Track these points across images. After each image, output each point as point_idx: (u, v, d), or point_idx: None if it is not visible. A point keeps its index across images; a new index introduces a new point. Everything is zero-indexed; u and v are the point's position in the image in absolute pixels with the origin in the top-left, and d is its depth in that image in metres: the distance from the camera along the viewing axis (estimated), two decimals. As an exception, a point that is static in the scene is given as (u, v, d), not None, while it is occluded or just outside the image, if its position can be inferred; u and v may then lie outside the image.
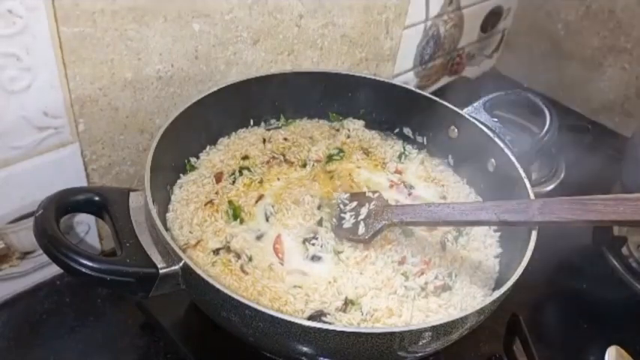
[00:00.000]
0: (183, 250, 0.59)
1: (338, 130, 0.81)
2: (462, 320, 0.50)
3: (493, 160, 0.71)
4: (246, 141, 0.76)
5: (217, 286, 0.48)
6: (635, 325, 0.77)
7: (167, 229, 0.62)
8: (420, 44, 1.05)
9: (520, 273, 0.54)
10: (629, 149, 0.82)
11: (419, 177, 0.76)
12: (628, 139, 0.84)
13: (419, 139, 0.80)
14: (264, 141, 0.77)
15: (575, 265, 0.85)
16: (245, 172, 0.71)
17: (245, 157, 0.73)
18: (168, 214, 0.64)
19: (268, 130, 0.79)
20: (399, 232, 0.66)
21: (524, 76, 1.27)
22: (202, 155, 0.73)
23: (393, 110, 0.80)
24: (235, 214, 0.65)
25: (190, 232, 0.63)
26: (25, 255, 0.67)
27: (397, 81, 1.03)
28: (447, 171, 0.78)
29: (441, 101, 0.76)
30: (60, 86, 0.59)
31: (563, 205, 0.55)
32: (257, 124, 0.79)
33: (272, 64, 0.81)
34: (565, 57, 1.19)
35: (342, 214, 0.66)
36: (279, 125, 0.80)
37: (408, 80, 1.09)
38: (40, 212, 0.51)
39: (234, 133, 0.77)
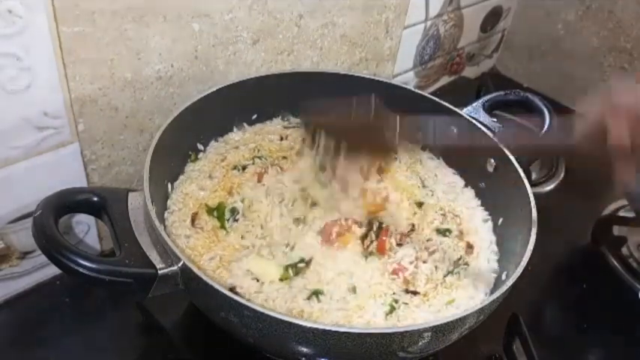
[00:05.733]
0: (182, 251, 0.59)
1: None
2: (462, 320, 0.50)
3: (492, 160, 0.71)
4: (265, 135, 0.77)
5: (216, 286, 0.48)
6: (635, 325, 0.76)
7: (166, 229, 0.62)
8: (419, 44, 1.05)
9: (520, 273, 0.54)
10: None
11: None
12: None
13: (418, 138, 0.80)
14: (281, 138, 0.77)
15: (575, 265, 0.85)
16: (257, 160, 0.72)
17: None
18: (166, 214, 0.64)
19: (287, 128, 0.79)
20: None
21: (524, 76, 1.27)
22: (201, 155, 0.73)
23: (393, 110, 0.80)
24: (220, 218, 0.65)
25: (189, 233, 0.63)
26: (24, 255, 0.67)
27: (397, 81, 1.04)
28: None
29: (439, 101, 0.76)
30: (60, 86, 0.59)
31: None
32: (257, 123, 0.79)
33: (272, 64, 0.81)
34: (565, 57, 1.19)
35: None
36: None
37: (407, 80, 1.09)
38: (38, 213, 0.51)
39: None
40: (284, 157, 0.74)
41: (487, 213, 0.72)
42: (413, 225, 0.68)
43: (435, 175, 0.76)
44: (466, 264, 0.65)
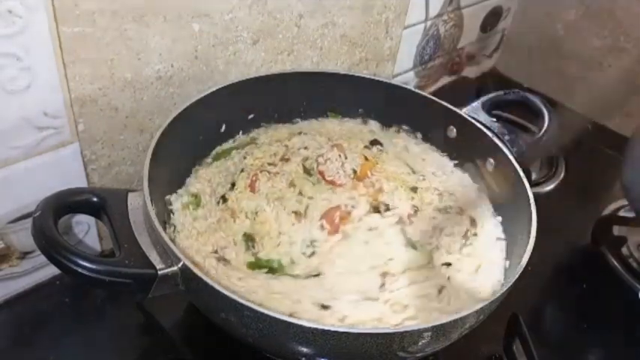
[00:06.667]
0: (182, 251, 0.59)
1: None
2: (462, 320, 0.50)
3: (492, 159, 0.71)
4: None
5: (217, 287, 0.48)
6: (635, 325, 0.76)
7: (165, 230, 0.62)
8: (419, 44, 1.05)
9: (520, 273, 0.54)
10: (629, 149, 0.82)
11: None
12: (628, 139, 0.84)
13: (418, 137, 0.80)
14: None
15: (574, 265, 0.85)
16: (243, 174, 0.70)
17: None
18: (174, 217, 0.64)
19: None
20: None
21: (524, 76, 1.27)
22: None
23: (392, 110, 0.80)
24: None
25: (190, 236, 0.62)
26: (24, 255, 0.67)
27: (397, 81, 1.04)
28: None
29: (439, 101, 0.76)
30: (60, 86, 0.59)
31: None
32: (257, 123, 0.78)
33: (272, 64, 0.81)
34: (565, 57, 1.19)
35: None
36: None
37: (407, 80, 1.09)
38: (37, 213, 0.51)
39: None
40: (270, 164, 0.72)
41: (477, 186, 0.73)
42: (415, 207, 0.69)
43: (422, 159, 0.77)
44: (475, 234, 0.67)
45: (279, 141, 0.76)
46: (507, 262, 0.64)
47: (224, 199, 0.67)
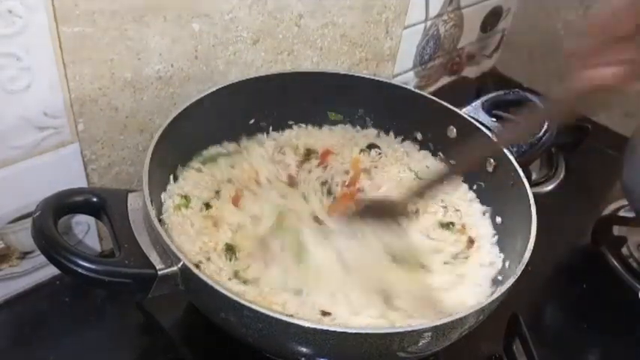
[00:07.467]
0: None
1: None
2: (462, 320, 0.50)
3: (492, 159, 0.71)
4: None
5: (217, 287, 0.48)
6: (635, 325, 0.77)
7: (165, 230, 0.62)
8: (419, 44, 1.05)
9: (519, 272, 0.54)
10: (629, 149, 0.82)
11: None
12: (628, 139, 0.84)
13: (418, 137, 0.80)
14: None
15: (575, 265, 0.85)
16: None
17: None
18: (165, 216, 0.64)
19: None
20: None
21: (524, 76, 1.27)
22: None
23: (392, 110, 0.80)
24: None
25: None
26: (24, 255, 0.67)
27: (397, 81, 1.04)
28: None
29: (439, 101, 0.76)
30: (60, 86, 0.59)
31: None
32: (257, 124, 0.78)
33: (272, 64, 0.81)
34: (565, 57, 1.19)
35: None
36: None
37: (407, 80, 1.09)
38: (37, 213, 0.51)
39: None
40: (257, 181, 0.71)
41: (484, 206, 0.72)
42: (417, 209, 0.69)
43: (426, 166, 0.76)
44: (466, 257, 0.66)
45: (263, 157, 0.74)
46: (493, 288, 0.63)
47: (208, 205, 0.66)
